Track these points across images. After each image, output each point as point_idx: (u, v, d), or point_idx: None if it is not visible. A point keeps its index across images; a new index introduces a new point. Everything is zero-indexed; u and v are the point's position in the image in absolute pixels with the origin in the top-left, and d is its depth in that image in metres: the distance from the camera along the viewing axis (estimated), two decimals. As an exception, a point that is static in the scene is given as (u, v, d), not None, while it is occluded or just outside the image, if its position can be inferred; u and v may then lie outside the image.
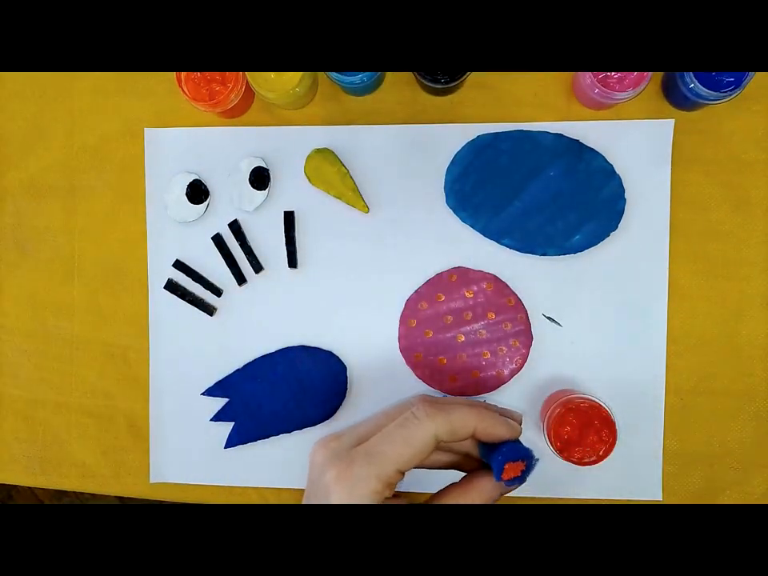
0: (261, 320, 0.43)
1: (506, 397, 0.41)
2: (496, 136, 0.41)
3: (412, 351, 0.42)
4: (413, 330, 0.42)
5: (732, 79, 0.37)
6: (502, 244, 0.41)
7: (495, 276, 0.41)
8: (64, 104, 0.45)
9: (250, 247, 0.43)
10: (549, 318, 0.41)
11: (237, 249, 0.43)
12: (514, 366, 0.41)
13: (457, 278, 0.41)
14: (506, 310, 0.41)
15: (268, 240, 0.43)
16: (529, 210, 0.41)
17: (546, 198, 0.41)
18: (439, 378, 0.41)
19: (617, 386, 0.41)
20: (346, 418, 0.43)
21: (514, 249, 0.41)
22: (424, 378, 0.42)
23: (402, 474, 0.30)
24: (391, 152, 0.42)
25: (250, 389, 0.43)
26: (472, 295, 0.41)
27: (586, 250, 0.41)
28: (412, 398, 0.32)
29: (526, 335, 0.41)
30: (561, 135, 0.41)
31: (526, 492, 0.41)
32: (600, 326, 0.41)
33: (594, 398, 0.37)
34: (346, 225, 0.42)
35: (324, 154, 0.42)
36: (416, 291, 0.42)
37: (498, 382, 0.41)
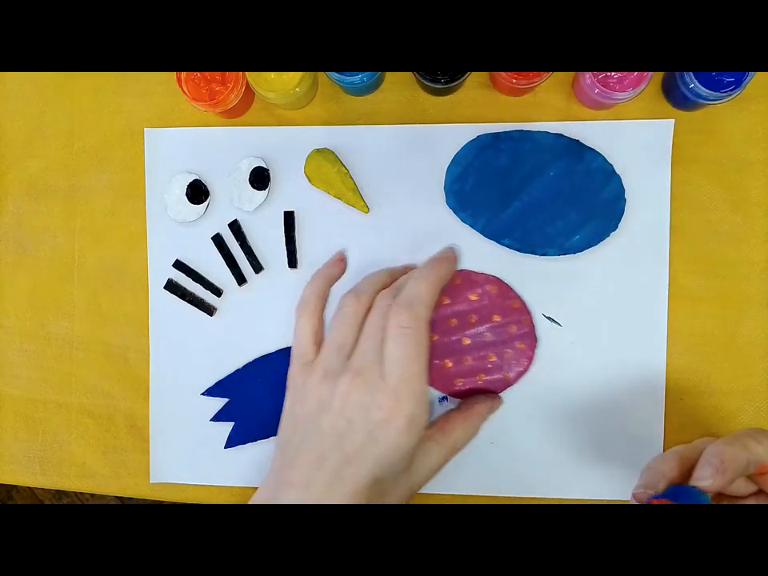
0: (261, 320, 0.43)
1: (512, 399, 0.41)
2: (496, 136, 0.41)
3: None
4: None
5: (732, 79, 0.37)
6: (501, 244, 0.41)
7: (499, 279, 0.41)
8: (64, 104, 0.45)
9: (250, 247, 0.43)
10: (549, 318, 0.41)
11: (237, 249, 0.43)
12: (520, 368, 0.41)
13: (461, 281, 0.41)
14: (511, 312, 0.41)
15: (268, 240, 0.43)
16: (529, 210, 0.41)
17: (546, 198, 0.41)
18: (445, 381, 0.41)
19: (617, 386, 0.41)
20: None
21: (514, 249, 0.41)
22: (430, 381, 0.41)
23: None
24: (391, 152, 0.42)
25: (249, 389, 0.43)
26: (477, 298, 0.41)
27: (586, 250, 0.41)
28: None
29: (531, 337, 0.41)
30: (561, 135, 0.41)
31: (525, 492, 0.41)
32: (600, 325, 0.41)
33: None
34: (346, 225, 0.42)
35: (324, 154, 0.42)
36: None
37: (504, 385, 0.41)
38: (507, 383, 0.41)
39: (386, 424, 0.33)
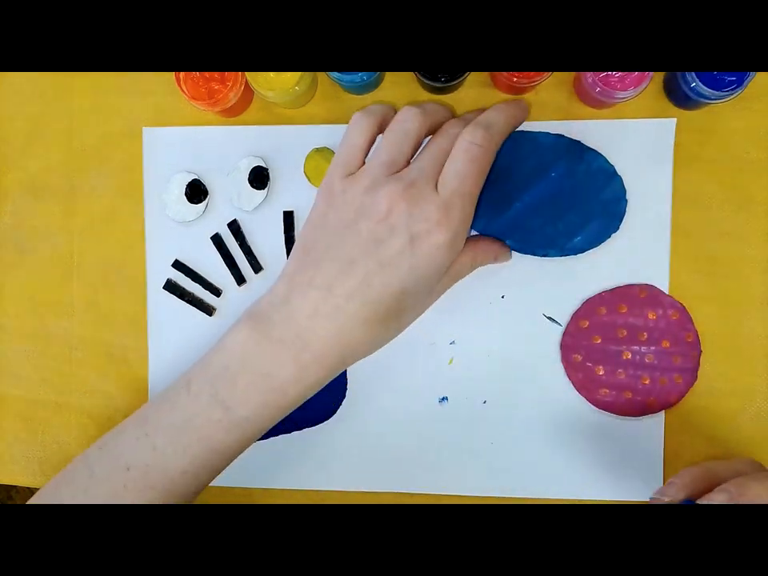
0: (260, 320, 0.43)
1: (512, 399, 0.41)
2: None
3: (573, 351, 0.40)
4: (582, 330, 0.41)
5: (734, 78, 0.37)
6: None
7: (685, 308, 0.40)
8: (64, 104, 0.45)
9: (249, 247, 0.43)
10: (549, 318, 0.41)
11: (236, 249, 0.43)
12: (668, 401, 0.40)
13: (646, 296, 0.40)
14: (683, 343, 0.40)
15: (267, 240, 0.43)
16: (530, 211, 0.40)
17: (547, 199, 0.40)
18: (590, 386, 0.40)
19: (617, 386, 0.41)
20: (345, 417, 0.43)
21: (515, 250, 0.41)
22: (575, 380, 0.41)
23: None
24: (391, 151, 0.42)
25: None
26: (654, 318, 0.40)
27: (587, 251, 0.41)
28: None
29: (691, 374, 0.40)
30: (562, 136, 0.41)
31: (524, 492, 0.41)
32: (601, 325, 0.41)
33: None
34: (346, 224, 0.42)
35: (323, 154, 0.42)
36: (598, 295, 0.41)
37: (645, 410, 0.40)
38: (650, 409, 0.40)
39: (429, 236, 0.32)
